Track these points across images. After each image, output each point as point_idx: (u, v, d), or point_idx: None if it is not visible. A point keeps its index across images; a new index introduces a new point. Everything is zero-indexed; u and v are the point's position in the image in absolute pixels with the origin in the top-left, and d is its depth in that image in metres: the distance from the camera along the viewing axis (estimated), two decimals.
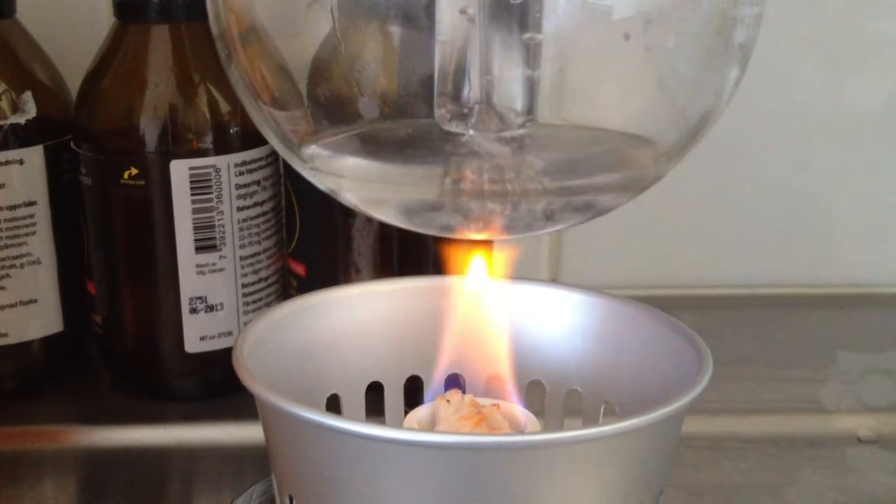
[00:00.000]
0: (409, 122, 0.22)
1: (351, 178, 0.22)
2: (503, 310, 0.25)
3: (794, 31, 0.46)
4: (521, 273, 0.26)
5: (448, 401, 0.23)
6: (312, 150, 0.22)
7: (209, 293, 0.37)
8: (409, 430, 0.20)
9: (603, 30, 0.19)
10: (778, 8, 0.45)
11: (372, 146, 0.21)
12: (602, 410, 0.25)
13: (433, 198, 0.21)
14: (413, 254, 0.36)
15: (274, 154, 0.38)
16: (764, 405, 0.39)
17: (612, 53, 0.19)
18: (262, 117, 0.22)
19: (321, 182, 0.23)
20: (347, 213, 0.37)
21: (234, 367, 0.21)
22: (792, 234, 0.49)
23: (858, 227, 0.49)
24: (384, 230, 0.37)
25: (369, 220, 0.36)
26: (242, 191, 0.36)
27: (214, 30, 0.22)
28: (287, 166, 0.38)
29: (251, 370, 0.21)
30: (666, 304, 0.47)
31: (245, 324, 0.37)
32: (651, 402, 0.21)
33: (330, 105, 0.22)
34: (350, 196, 0.23)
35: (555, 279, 0.50)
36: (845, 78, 0.47)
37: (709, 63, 0.20)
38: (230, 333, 0.37)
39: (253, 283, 0.37)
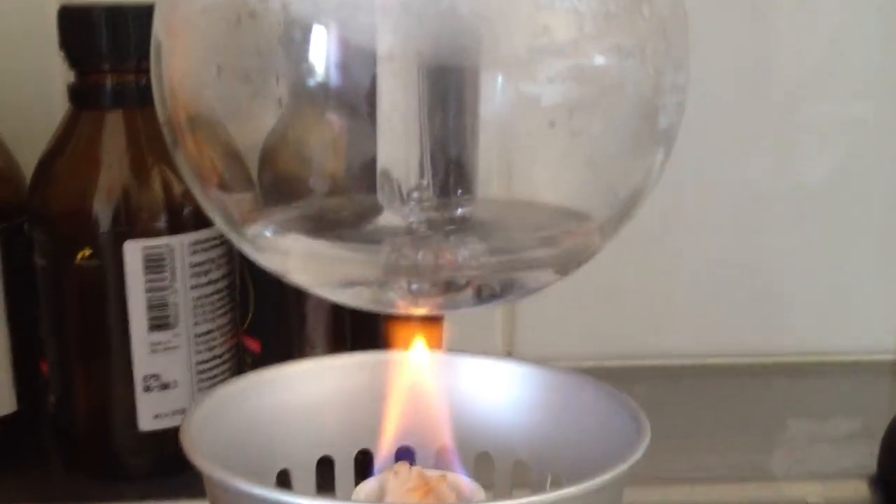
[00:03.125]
0: (353, 202, 0.23)
1: (295, 256, 0.23)
2: (449, 383, 0.25)
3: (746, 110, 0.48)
4: (475, 343, 0.27)
5: (396, 473, 0.24)
6: (257, 229, 0.22)
7: (163, 371, 0.37)
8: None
9: (533, 115, 0.20)
10: (730, 88, 0.47)
11: (316, 226, 0.22)
12: (549, 481, 0.26)
13: (374, 276, 0.22)
14: (366, 329, 0.37)
15: None
16: (714, 474, 0.40)
17: (542, 138, 0.20)
18: (207, 199, 0.23)
19: (266, 261, 0.23)
20: (301, 290, 0.37)
21: (182, 443, 0.22)
22: (740, 306, 0.50)
23: (804, 298, 0.51)
24: (338, 306, 0.37)
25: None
26: (196, 269, 0.37)
27: (161, 116, 0.23)
28: None
29: (199, 447, 0.21)
30: (619, 375, 0.49)
31: None
32: (595, 471, 0.21)
33: (275, 187, 0.23)
34: (294, 275, 0.23)
35: (509, 349, 0.50)
36: (792, 155, 0.49)
37: (634, 147, 0.21)
38: (184, 411, 0.37)
39: (207, 361, 0.38)
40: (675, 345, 0.50)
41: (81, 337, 0.37)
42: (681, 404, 0.47)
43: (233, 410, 0.24)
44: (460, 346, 0.27)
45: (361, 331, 0.37)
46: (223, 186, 0.22)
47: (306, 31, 0.19)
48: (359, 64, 0.19)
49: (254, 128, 0.23)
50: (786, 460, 0.41)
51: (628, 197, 0.21)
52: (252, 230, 0.22)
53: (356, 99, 0.20)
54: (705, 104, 0.46)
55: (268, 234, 0.22)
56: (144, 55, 0.36)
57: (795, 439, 0.43)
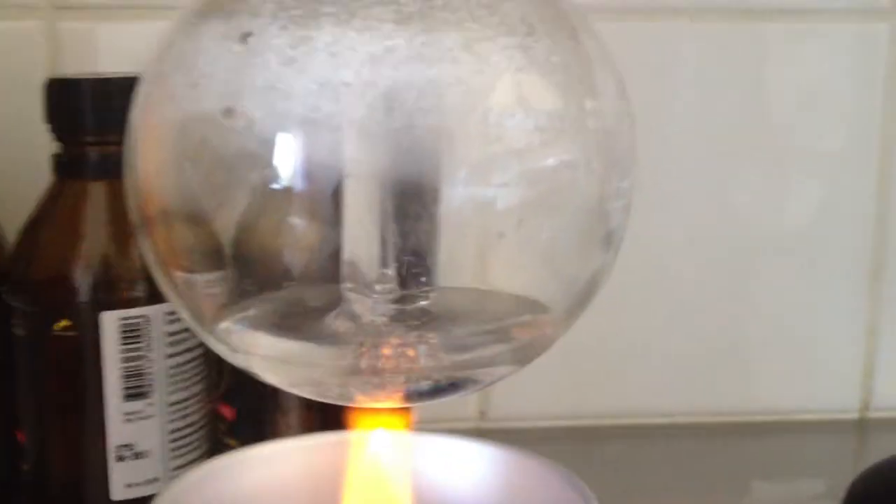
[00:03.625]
0: (318, 295, 0.24)
1: (259, 356, 0.24)
2: (410, 463, 0.26)
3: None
4: (450, 408, 0.28)
5: None
6: (222, 325, 0.23)
7: (137, 440, 0.37)
8: None
9: (487, 218, 0.21)
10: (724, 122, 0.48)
11: (280, 322, 0.23)
12: None
13: (336, 378, 0.23)
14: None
15: None
16: None
17: (496, 240, 0.21)
18: (173, 292, 0.24)
19: (231, 358, 0.24)
20: None
21: None
22: (710, 365, 0.51)
23: (773, 357, 0.52)
24: None
25: None
26: (172, 338, 0.38)
27: (131, 201, 0.24)
28: None
29: None
30: (591, 434, 0.50)
31: (172, 469, 0.38)
32: None
33: (239, 283, 0.24)
34: (256, 371, 0.24)
35: (484, 411, 0.51)
36: (759, 216, 0.50)
37: (583, 248, 0.22)
38: (156, 479, 0.38)
39: (181, 429, 0.38)
40: (644, 404, 0.51)
41: (57, 405, 0.37)
42: (650, 463, 0.47)
43: (202, 493, 0.25)
44: (435, 408, 0.27)
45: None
46: (187, 281, 0.23)
47: (270, 146, 0.20)
48: (322, 174, 0.20)
49: (221, 226, 0.24)
50: None
51: (581, 290, 0.22)
52: (217, 326, 0.23)
53: (320, 205, 0.21)
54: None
55: (232, 330, 0.23)
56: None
57: (760, 500, 0.44)
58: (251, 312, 0.23)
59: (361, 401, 0.23)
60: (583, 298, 0.23)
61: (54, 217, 0.38)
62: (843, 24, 0.49)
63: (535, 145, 0.20)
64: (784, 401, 0.52)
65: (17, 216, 0.39)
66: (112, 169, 0.37)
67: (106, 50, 0.46)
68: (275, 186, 0.20)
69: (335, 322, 0.23)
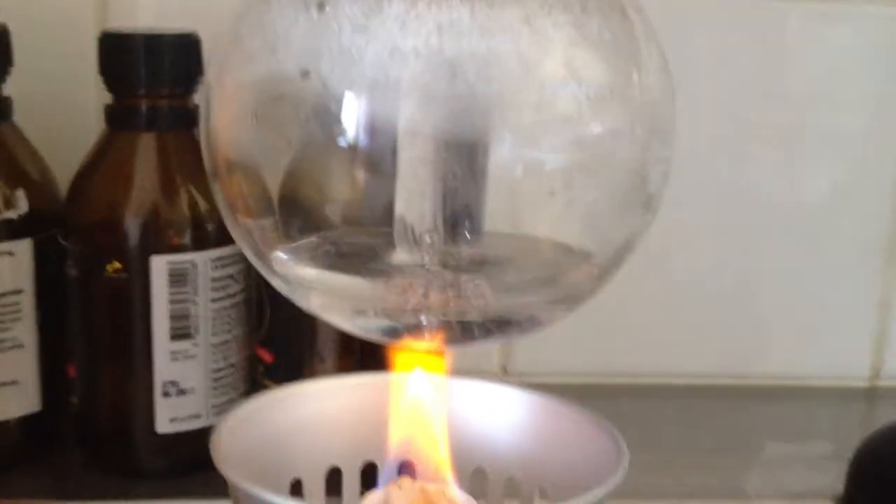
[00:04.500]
0: (370, 237, 0.25)
1: (312, 284, 0.25)
2: (447, 404, 0.28)
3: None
4: (473, 361, 0.29)
5: (400, 486, 0.26)
6: (278, 256, 0.25)
7: (181, 378, 0.39)
8: None
9: (536, 180, 0.23)
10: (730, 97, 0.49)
11: (334, 260, 0.25)
12: (536, 495, 0.29)
13: (384, 310, 0.25)
14: (374, 345, 0.39)
15: None
16: (691, 490, 0.42)
17: (543, 199, 0.23)
18: (237, 229, 0.26)
19: (282, 285, 0.26)
20: None
21: (212, 455, 0.24)
22: (725, 329, 0.53)
23: (785, 324, 0.53)
24: None
25: None
26: (217, 284, 0.40)
27: (204, 151, 0.26)
28: None
29: (228, 458, 0.24)
30: (606, 392, 0.51)
31: (213, 406, 0.40)
32: (579, 489, 0.24)
33: (299, 224, 0.25)
34: (309, 302, 0.26)
35: (504, 365, 0.53)
36: (784, 175, 0.52)
37: (624, 210, 0.24)
38: (199, 416, 0.40)
39: (222, 369, 0.40)
40: (661, 364, 0.53)
41: (107, 343, 0.39)
42: (664, 422, 0.49)
43: (254, 425, 0.27)
44: (458, 361, 0.29)
45: (369, 346, 0.40)
46: (252, 219, 0.25)
47: (340, 104, 0.22)
48: (384, 133, 0.22)
49: (285, 174, 0.25)
50: (760, 480, 0.43)
51: (621, 246, 0.24)
52: (275, 260, 0.25)
53: (380, 159, 0.23)
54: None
55: (289, 264, 0.25)
56: (178, 82, 0.39)
57: (772, 460, 0.45)
58: (307, 250, 0.25)
59: (405, 340, 0.25)
60: (622, 254, 0.24)
61: (107, 165, 0.39)
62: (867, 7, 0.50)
63: (585, 113, 0.22)
64: (797, 367, 0.53)
65: (69, 165, 0.40)
66: (161, 121, 0.39)
67: (148, 4, 0.47)
68: (342, 142, 0.22)
69: (385, 263, 0.24)
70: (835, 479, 0.42)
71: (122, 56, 0.38)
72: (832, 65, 0.50)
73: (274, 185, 0.25)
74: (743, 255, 0.52)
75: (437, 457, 0.28)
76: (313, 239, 0.25)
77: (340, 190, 0.25)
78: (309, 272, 0.25)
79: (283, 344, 0.41)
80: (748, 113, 0.50)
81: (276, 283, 0.26)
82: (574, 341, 0.52)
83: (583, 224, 0.24)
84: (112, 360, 0.39)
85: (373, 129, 0.22)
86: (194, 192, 0.39)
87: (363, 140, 0.22)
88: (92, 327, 0.39)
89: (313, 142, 0.23)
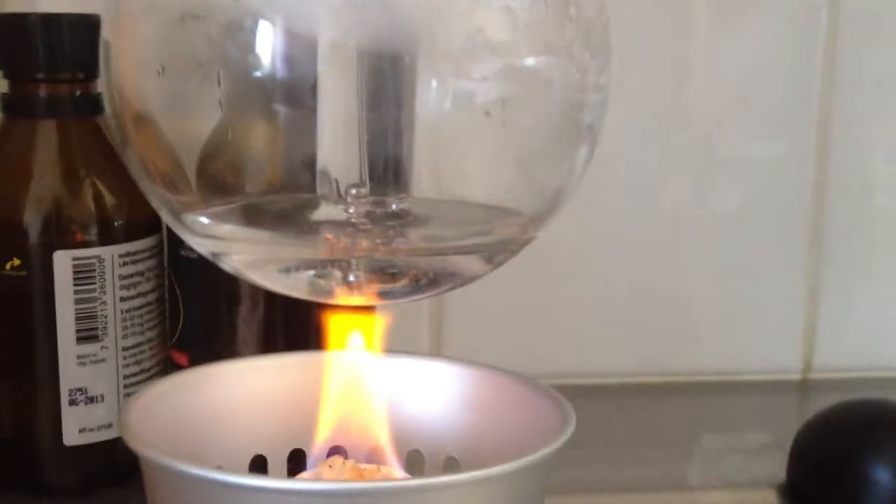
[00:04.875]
0: (292, 197, 0.23)
1: (234, 241, 0.23)
2: (380, 382, 0.26)
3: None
4: (402, 344, 0.27)
5: (330, 466, 0.24)
6: (198, 217, 0.23)
7: (90, 384, 0.37)
8: (295, 480, 0.21)
9: (466, 111, 0.21)
10: (646, 126, 0.49)
11: (256, 216, 0.23)
12: None
13: (311, 261, 0.23)
14: (299, 343, 0.37)
15: (158, 245, 0.39)
16: (633, 483, 0.41)
17: (474, 133, 0.21)
18: (153, 192, 0.23)
19: (204, 246, 0.24)
20: (232, 303, 0.38)
21: (121, 431, 0.22)
22: (659, 328, 0.52)
23: (719, 321, 0.53)
24: (269, 320, 0.38)
25: (254, 309, 0.38)
26: (126, 281, 0.37)
27: (110, 114, 0.24)
28: (171, 257, 0.39)
29: (139, 435, 0.22)
30: None
31: None
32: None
33: (217, 180, 0.23)
34: (232, 258, 0.24)
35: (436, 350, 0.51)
36: (705, 188, 0.51)
37: (561, 142, 0.22)
38: (110, 426, 0.37)
39: (135, 374, 0.38)
40: (598, 364, 0.52)
41: (7, 347, 0.36)
42: (599, 419, 0.48)
43: (168, 407, 0.25)
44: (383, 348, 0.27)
45: (294, 346, 0.37)
46: (168, 180, 0.23)
47: (254, 22, 0.20)
48: (302, 56, 0.20)
49: (197, 124, 0.23)
50: (700, 471, 0.42)
51: (554, 192, 0.22)
52: (193, 220, 0.23)
53: (300, 90, 0.21)
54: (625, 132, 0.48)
55: (208, 222, 0.23)
56: (80, 65, 0.37)
57: (709, 451, 0.44)
58: (227, 208, 0.23)
59: (335, 295, 0.23)
60: (554, 201, 0.23)
61: (4, 156, 0.37)
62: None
63: (519, 33, 0.20)
64: (729, 362, 0.53)
65: None
66: (62, 108, 0.37)
67: None
68: (254, 69, 0.20)
69: (310, 219, 0.22)
70: (775, 467, 0.41)
71: (18, 37, 0.36)
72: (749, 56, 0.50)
73: (188, 140, 0.23)
74: (677, 259, 0.52)
75: (374, 439, 0.26)
76: (234, 198, 0.23)
77: (259, 139, 0.23)
78: (231, 230, 0.23)
79: (199, 345, 0.39)
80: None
81: (197, 245, 0.24)
82: (508, 341, 0.51)
83: (515, 166, 0.22)
84: (13, 367, 0.36)
85: (290, 52, 0.20)
86: (99, 185, 0.37)
87: (280, 66, 0.20)
88: None
89: (224, 85, 0.21)
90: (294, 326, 0.38)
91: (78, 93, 0.37)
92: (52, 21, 0.36)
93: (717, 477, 0.42)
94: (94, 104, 0.37)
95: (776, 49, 0.51)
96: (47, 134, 0.37)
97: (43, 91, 0.36)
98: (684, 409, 0.49)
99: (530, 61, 0.21)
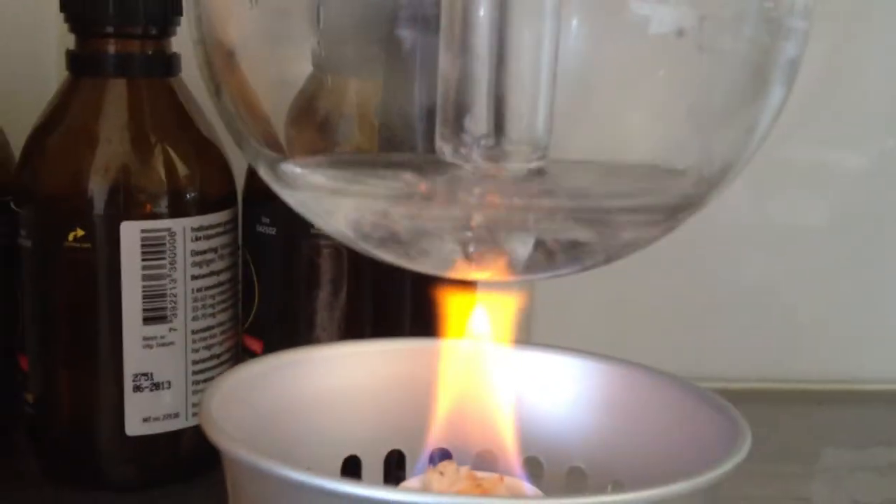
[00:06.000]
0: (406, 154, 0.20)
1: (338, 195, 0.19)
2: (504, 377, 0.22)
3: None
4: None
5: (441, 473, 0.20)
6: (298, 168, 0.19)
7: (155, 369, 0.33)
8: (405, 491, 0.17)
9: (633, 43, 0.17)
10: None
11: (362, 172, 0.19)
12: (609, 491, 0.22)
13: (428, 227, 0.19)
14: (388, 331, 0.33)
15: (233, 220, 0.35)
16: (754, 502, 0.36)
17: (641, 72, 0.17)
18: (247, 142, 0.20)
19: (303, 204, 0.20)
20: (311, 286, 0.34)
21: (202, 424, 0.18)
22: (776, 332, 0.48)
23: (821, 327, 0.48)
24: (352, 304, 0.34)
25: (335, 293, 0.34)
26: (198, 258, 0.34)
27: (199, 60, 0.20)
28: (246, 234, 0.35)
29: (222, 428, 0.18)
30: None
31: (193, 404, 0.34)
32: (679, 476, 0.18)
33: (318, 130, 0.19)
34: (336, 218, 0.20)
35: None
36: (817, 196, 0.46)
37: (754, 82, 0.18)
38: (177, 415, 0.34)
39: (204, 360, 0.34)
40: (703, 367, 0.47)
41: (67, 328, 0.33)
42: None
43: (254, 395, 0.21)
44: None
45: (382, 326, 0.34)
46: (265, 127, 0.19)
47: None
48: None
49: (292, 65, 0.20)
50: (826, 489, 0.38)
51: (737, 149, 0.18)
52: (293, 170, 0.19)
53: (421, 19, 0.17)
54: None
55: (310, 173, 0.19)
56: (153, 19, 0.33)
57: (834, 468, 0.40)
58: (330, 159, 0.19)
59: (456, 268, 0.19)
60: (735, 160, 0.18)
61: (69, 118, 0.34)
62: None
63: None
64: (839, 370, 0.48)
65: (24, 123, 0.34)
66: (133, 66, 0.33)
67: None
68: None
69: (426, 173, 0.18)
70: None
71: None
72: None
73: (287, 79, 0.19)
74: (777, 271, 0.47)
75: (484, 442, 0.22)
76: (338, 150, 0.20)
77: (368, 86, 0.19)
78: (335, 184, 0.19)
79: (274, 331, 0.35)
80: None
81: (295, 202, 0.20)
82: (605, 343, 0.47)
83: (693, 106, 0.18)
84: (73, 349, 0.33)
85: None
86: (171, 152, 0.33)
87: None
88: (49, 309, 0.33)
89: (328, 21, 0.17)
90: (384, 314, 0.34)
91: (150, 51, 0.33)
92: None
93: (846, 496, 0.37)
94: (167, 64, 0.34)
95: None
96: (116, 95, 0.33)
97: (112, 48, 0.33)
98: (802, 420, 0.45)
99: None
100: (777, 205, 0.47)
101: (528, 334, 0.46)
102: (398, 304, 0.34)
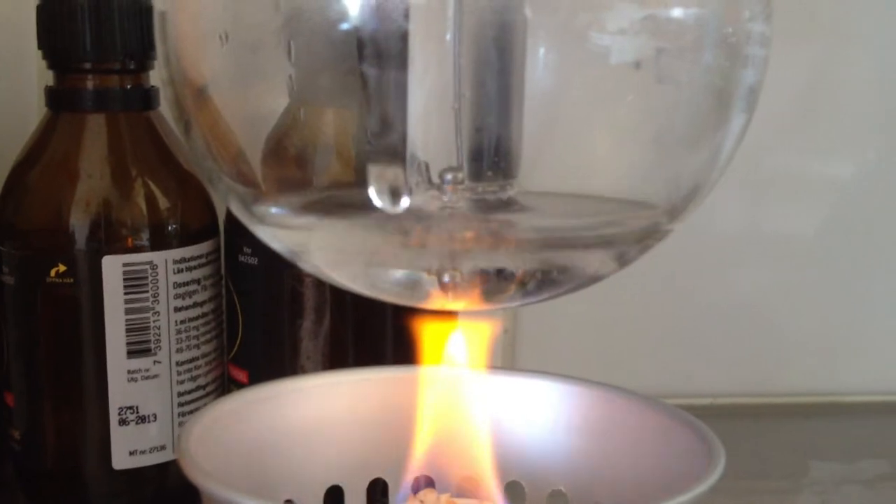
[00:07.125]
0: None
1: (313, 232, 0.20)
2: (481, 403, 0.22)
3: None
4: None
5: (422, 502, 0.20)
6: (271, 208, 0.19)
7: (141, 403, 0.33)
8: None
9: (596, 74, 0.17)
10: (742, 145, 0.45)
11: (337, 206, 0.19)
12: None
13: (401, 258, 0.19)
14: (372, 362, 0.33)
15: (215, 251, 0.35)
16: None
17: (605, 102, 0.17)
18: (219, 180, 0.20)
19: (278, 240, 0.20)
20: (295, 315, 0.34)
21: (179, 461, 0.18)
22: (755, 346, 0.48)
23: (807, 340, 0.48)
24: (336, 332, 0.34)
25: (318, 321, 0.34)
26: (181, 290, 0.34)
27: (169, 96, 0.20)
28: (229, 264, 0.35)
29: (198, 464, 0.18)
30: None
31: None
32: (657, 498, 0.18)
33: (289, 166, 0.20)
34: (311, 255, 0.20)
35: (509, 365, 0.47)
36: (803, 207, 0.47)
37: (716, 110, 0.18)
38: (163, 448, 0.34)
39: (190, 392, 0.34)
40: (688, 383, 0.47)
41: (52, 363, 0.33)
42: None
43: (232, 430, 0.21)
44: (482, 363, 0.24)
45: (366, 363, 0.34)
46: (235, 164, 0.19)
47: None
48: (389, 15, 0.16)
49: (266, 100, 0.20)
50: (814, 502, 0.38)
51: (698, 178, 0.18)
52: (266, 210, 0.19)
53: (385, 52, 0.17)
54: None
55: (283, 213, 0.19)
56: (131, 54, 0.33)
57: (821, 482, 0.40)
58: (303, 197, 0.19)
59: (431, 298, 0.19)
60: (697, 190, 0.19)
61: (49, 153, 0.34)
62: None
63: None
64: (832, 381, 0.48)
65: (8, 157, 0.34)
66: (112, 100, 0.33)
67: None
68: (344, 27, 0.16)
69: (398, 209, 0.19)
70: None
71: (64, 23, 0.33)
72: None
73: (256, 118, 0.20)
74: (760, 285, 0.47)
75: (469, 469, 0.22)
76: (310, 187, 0.20)
77: (339, 119, 0.19)
78: (309, 221, 0.19)
79: (259, 361, 0.35)
80: None
81: (270, 240, 0.20)
82: (588, 356, 0.47)
83: (657, 134, 0.18)
84: (58, 384, 0.33)
85: (376, 9, 0.16)
86: (152, 185, 0.34)
87: (369, 20, 0.16)
88: (32, 345, 0.33)
89: (303, 42, 0.18)
90: (367, 342, 0.34)
91: (129, 85, 0.34)
92: (100, 4, 0.33)
93: None
94: (146, 97, 0.34)
95: None
96: (96, 129, 0.33)
97: (91, 83, 0.33)
98: (787, 434, 0.45)
99: (677, 12, 0.17)
100: (764, 217, 0.47)
101: (514, 357, 0.46)
102: (380, 331, 0.34)
